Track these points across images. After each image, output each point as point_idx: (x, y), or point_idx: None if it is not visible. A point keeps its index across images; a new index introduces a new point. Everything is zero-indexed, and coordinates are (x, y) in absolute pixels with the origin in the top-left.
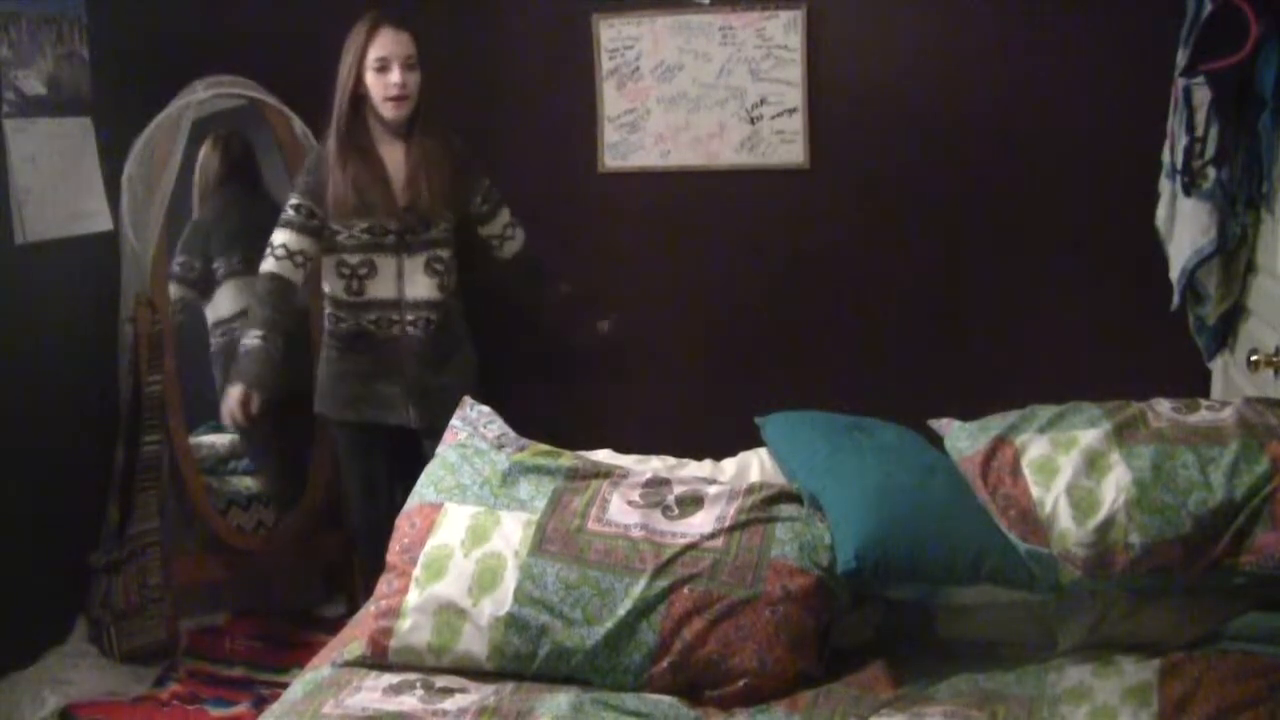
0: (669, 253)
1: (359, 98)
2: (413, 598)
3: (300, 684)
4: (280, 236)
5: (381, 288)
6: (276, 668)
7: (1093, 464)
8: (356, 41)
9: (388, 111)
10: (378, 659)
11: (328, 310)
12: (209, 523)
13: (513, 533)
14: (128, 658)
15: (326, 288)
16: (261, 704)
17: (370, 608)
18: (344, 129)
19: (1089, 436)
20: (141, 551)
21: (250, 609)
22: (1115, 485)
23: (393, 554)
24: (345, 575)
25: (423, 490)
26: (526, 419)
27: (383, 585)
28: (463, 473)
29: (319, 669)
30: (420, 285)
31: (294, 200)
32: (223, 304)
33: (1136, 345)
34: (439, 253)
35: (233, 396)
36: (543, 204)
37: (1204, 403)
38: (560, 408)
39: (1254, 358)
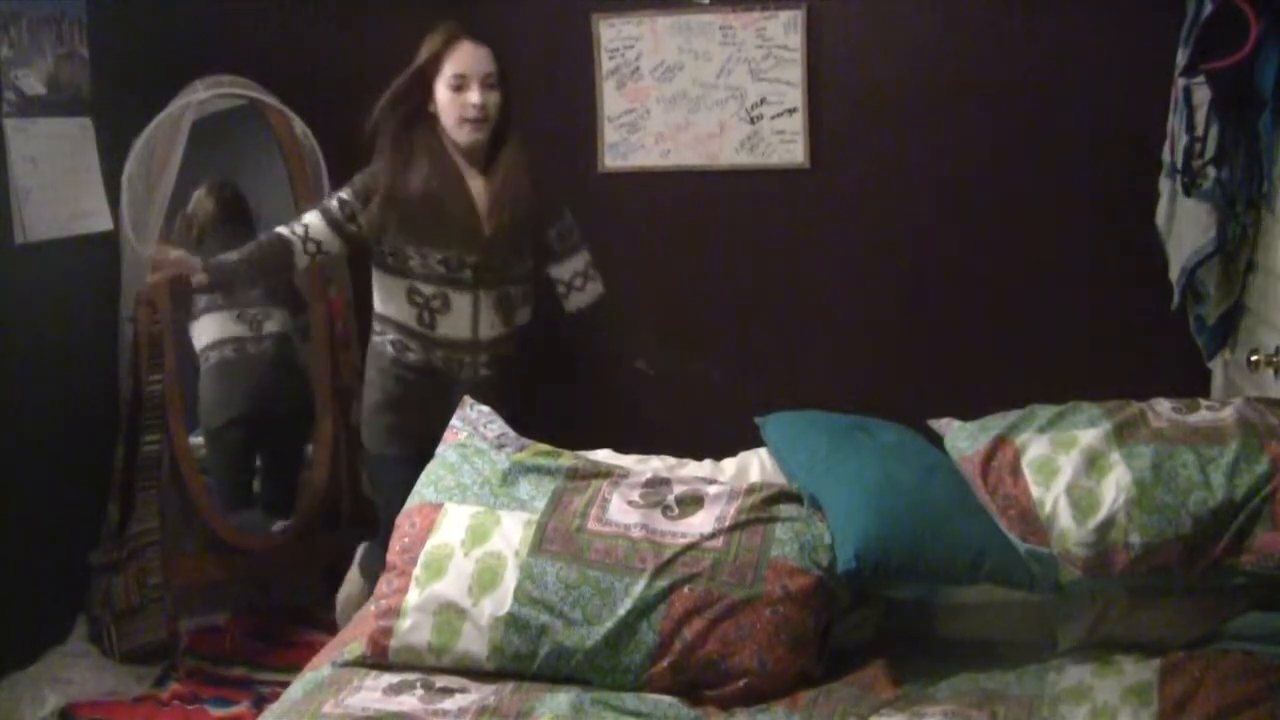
0: (669, 253)
1: (430, 116)
2: (413, 597)
3: (300, 684)
4: (309, 218)
5: (454, 326)
6: (276, 668)
7: (1093, 464)
8: (430, 53)
9: (463, 135)
10: (378, 659)
11: (391, 337)
12: (209, 523)
13: (513, 532)
14: (128, 657)
15: (390, 312)
16: (261, 704)
17: (370, 607)
18: (396, 135)
19: (1089, 436)
20: (141, 551)
21: (250, 609)
22: (1115, 485)
23: (393, 554)
24: (345, 575)
25: (423, 490)
26: (526, 418)
27: (383, 585)
28: (463, 472)
29: (319, 669)
30: (495, 324)
31: (344, 195)
32: (205, 332)
33: (1136, 345)
34: (511, 289)
35: (181, 253)
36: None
37: (1204, 403)
38: (560, 407)
39: (1254, 357)
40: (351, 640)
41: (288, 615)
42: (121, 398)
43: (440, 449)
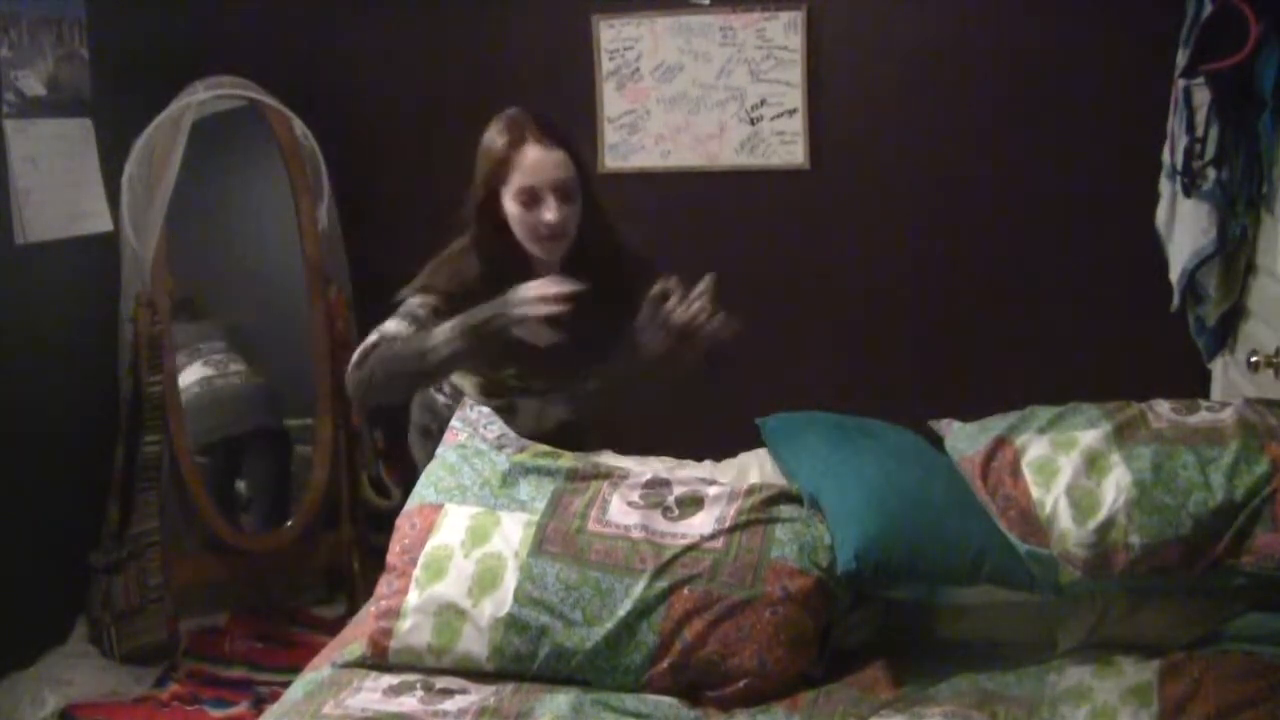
0: (668, 253)
1: (500, 225)
2: (413, 598)
3: (300, 684)
4: (393, 328)
5: (518, 426)
6: (276, 668)
7: (1093, 464)
8: (491, 160)
9: (540, 251)
10: (378, 659)
11: (444, 400)
12: (209, 523)
13: (513, 533)
14: (128, 658)
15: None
16: (261, 704)
17: (370, 608)
18: (486, 257)
19: (1089, 437)
20: (141, 551)
21: (250, 609)
22: (1115, 486)
23: (393, 555)
24: (345, 575)
25: (423, 491)
26: None
27: (383, 586)
28: (463, 474)
29: (319, 669)
30: (562, 413)
31: (427, 299)
32: (182, 380)
33: (1136, 345)
34: (588, 384)
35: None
36: None
37: (1204, 403)
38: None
39: (1254, 358)
40: (352, 641)
41: (288, 615)
42: (121, 398)
43: (440, 450)
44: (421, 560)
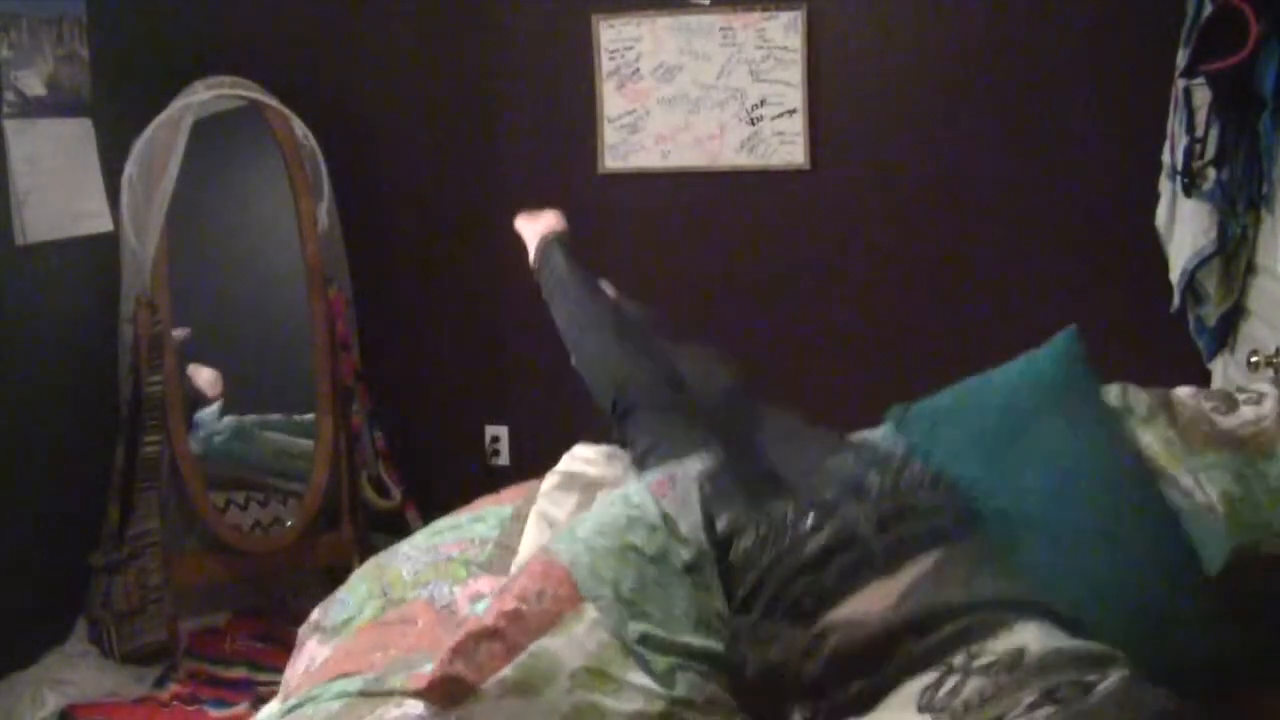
0: (669, 254)
1: None
2: (490, 691)
3: (334, 691)
4: None
5: None
6: (276, 668)
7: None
8: None
9: None
10: (438, 700)
11: None
12: (209, 523)
13: (628, 709)
14: (128, 658)
15: None
16: (261, 704)
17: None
18: None
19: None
20: (141, 551)
21: (250, 609)
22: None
23: (501, 611)
24: (345, 575)
25: (572, 548)
26: (526, 421)
27: (469, 639)
28: (626, 569)
29: (350, 677)
30: None
31: None
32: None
33: (1136, 345)
34: None
35: None
36: (542, 205)
37: (1240, 395)
38: (560, 406)
39: (1254, 358)
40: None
41: (288, 615)
42: (121, 399)
43: (630, 490)
44: (525, 659)
